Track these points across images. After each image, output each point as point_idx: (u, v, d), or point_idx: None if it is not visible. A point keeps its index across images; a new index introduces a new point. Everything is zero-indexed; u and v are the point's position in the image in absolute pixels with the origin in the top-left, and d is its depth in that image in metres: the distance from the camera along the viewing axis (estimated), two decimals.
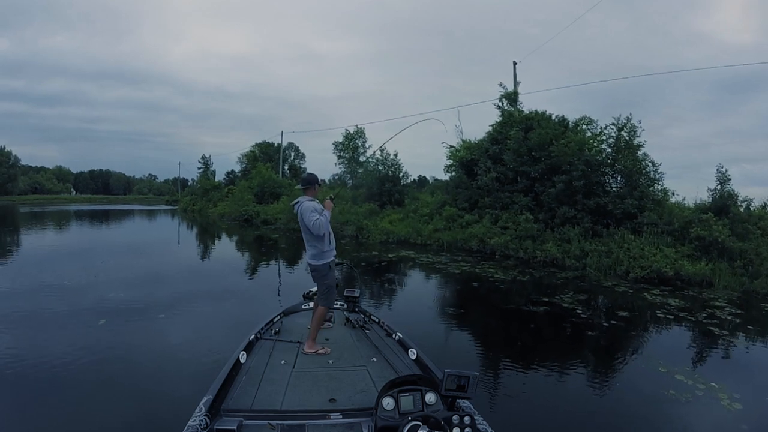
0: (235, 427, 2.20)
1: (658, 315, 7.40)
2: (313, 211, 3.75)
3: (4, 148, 69.92)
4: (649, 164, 13.63)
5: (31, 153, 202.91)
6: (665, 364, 5.02)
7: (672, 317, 7.26)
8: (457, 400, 2.30)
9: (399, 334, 3.82)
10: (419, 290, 9.08)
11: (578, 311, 7.27)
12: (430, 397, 2.28)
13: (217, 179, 51.88)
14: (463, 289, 9.09)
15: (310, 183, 3.98)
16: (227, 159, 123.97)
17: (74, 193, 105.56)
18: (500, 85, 17.90)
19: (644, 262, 10.59)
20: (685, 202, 14.17)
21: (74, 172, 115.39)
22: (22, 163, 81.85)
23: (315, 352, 3.56)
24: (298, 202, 3.90)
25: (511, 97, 17.54)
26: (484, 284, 9.54)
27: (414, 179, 27.59)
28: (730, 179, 12.84)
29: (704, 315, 7.42)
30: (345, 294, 4.63)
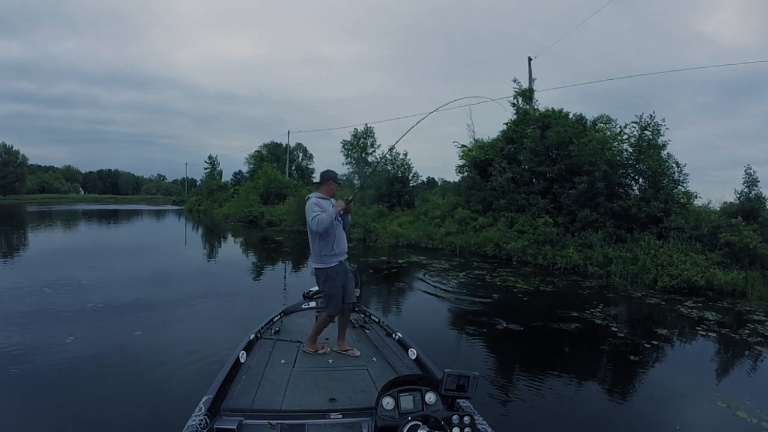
0: (234, 427, 2.21)
1: (699, 332, 6.72)
2: (315, 205, 3.57)
3: (12, 147, 70.25)
4: (673, 165, 12.95)
5: (41, 154, 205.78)
6: (723, 397, 4.38)
7: (714, 335, 6.60)
8: (457, 400, 2.30)
9: (399, 334, 3.80)
10: (434, 302, 8.34)
11: (614, 329, 6.59)
12: (430, 397, 2.28)
13: (224, 180, 51.66)
14: (482, 301, 8.39)
15: (323, 179, 3.80)
16: (235, 159, 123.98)
17: (83, 192, 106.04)
18: (514, 81, 17.20)
19: (673, 270, 9.91)
20: (711, 205, 13.57)
21: (83, 172, 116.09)
22: (31, 162, 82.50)
23: (315, 351, 3.49)
24: (309, 197, 3.70)
25: (526, 95, 16.86)
26: (505, 295, 8.84)
27: (423, 180, 26.90)
28: (758, 181, 12.20)
29: (747, 331, 6.76)
30: None
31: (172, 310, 7.07)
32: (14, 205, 50.43)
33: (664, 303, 8.53)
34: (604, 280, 10.60)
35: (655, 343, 6.10)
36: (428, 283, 9.74)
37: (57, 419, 3.58)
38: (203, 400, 2.41)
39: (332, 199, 3.74)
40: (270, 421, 2.34)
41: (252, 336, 3.64)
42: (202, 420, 2.23)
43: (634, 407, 4.28)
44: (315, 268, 3.70)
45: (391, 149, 21.77)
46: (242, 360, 3.19)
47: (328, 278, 3.60)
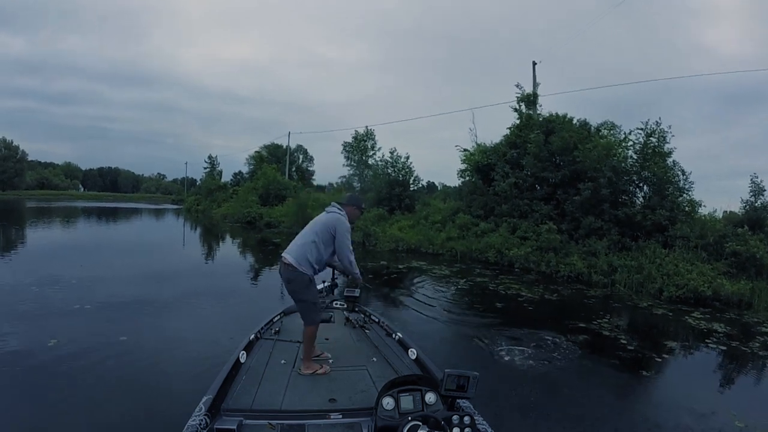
0: (235, 427, 2.20)
1: (710, 345, 6.52)
2: (348, 232, 3.47)
3: (12, 142, 69.96)
4: (679, 173, 12.77)
5: (42, 149, 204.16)
6: (739, 415, 4.17)
7: (724, 348, 6.39)
8: (457, 400, 2.30)
9: (399, 334, 3.78)
10: (434, 310, 8.03)
11: (622, 341, 6.37)
12: (430, 397, 2.29)
13: (224, 180, 51.42)
14: (486, 310, 8.12)
15: (351, 204, 3.67)
16: (236, 159, 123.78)
17: (82, 189, 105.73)
18: (517, 86, 17.06)
19: (679, 279, 9.70)
20: (716, 213, 13.41)
21: (83, 169, 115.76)
22: (32, 158, 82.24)
23: (314, 372, 3.18)
24: (336, 210, 3.53)
25: (530, 99, 16.70)
26: (509, 304, 8.58)
27: (423, 184, 26.63)
28: (764, 190, 12.04)
29: (757, 345, 6.59)
30: (345, 294, 4.53)
31: (167, 310, 6.99)
32: (12, 200, 50.26)
33: (671, 314, 8.32)
34: (609, 289, 10.39)
35: (666, 356, 5.91)
36: (429, 290, 9.51)
37: (56, 416, 3.60)
38: (203, 400, 2.41)
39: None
40: (270, 421, 2.34)
41: (252, 336, 3.62)
42: (202, 420, 2.23)
43: (642, 422, 4.06)
44: (299, 272, 3.29)
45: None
46: (242, 360, 3.18)
47: (310, 284, 3.39)
